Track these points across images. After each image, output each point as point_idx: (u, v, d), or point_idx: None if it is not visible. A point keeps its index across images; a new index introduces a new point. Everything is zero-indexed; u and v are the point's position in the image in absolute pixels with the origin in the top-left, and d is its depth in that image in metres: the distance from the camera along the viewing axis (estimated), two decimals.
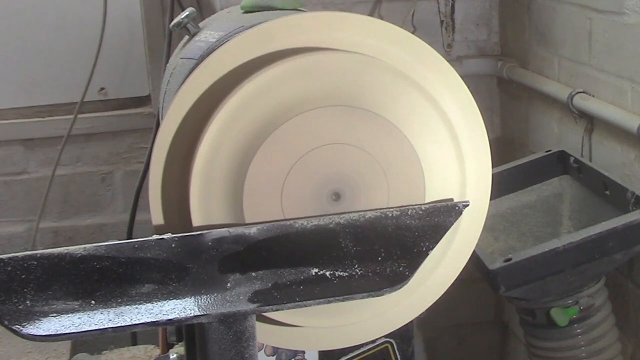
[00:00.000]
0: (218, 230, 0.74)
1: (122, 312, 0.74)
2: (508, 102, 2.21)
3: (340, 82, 0.76)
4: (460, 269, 0.84)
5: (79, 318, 0.77)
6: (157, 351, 1.75)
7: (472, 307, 2.27)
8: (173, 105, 0.76)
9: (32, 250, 0.74)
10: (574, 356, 1.58)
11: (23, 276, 0.72)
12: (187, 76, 0.77)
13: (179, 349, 1.12)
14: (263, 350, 1.03)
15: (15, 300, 0.72)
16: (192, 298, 0.75)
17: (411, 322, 0.85)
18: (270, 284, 0.75)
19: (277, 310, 0.77)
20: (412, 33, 0.80)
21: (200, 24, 1.01)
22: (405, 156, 0.77)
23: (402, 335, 1.12)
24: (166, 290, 0.74)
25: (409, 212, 0.75)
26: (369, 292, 0.76)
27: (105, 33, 2.29)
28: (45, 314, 0.73)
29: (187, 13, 0.99)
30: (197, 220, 0.76)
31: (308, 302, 0.76)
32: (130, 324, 0.75)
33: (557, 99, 1.85)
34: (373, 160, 0.76)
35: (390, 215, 0.75)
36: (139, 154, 2.43)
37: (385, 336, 1.00)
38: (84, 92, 2.30)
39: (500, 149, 2.16)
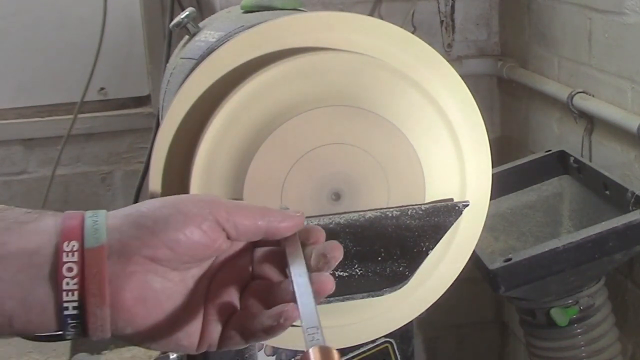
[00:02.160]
0: None
1: None
2: (508, 102, 2.21)
3: (340, 82, 0.75)
4: (460, 269, 0.84)
5: None
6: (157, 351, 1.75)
7: (472, 307, 2.27)
8: (173, 105, 0.76)
9: None
10: (574, 356, 1.58)
11: None
12: (187, 76, 0.77)
13: None
14: (263, 350, 1.04)
15: None
16: None
17: (411, 322, 0.84)
18: None
19: None
20: (412, 33, 0.80)
21: (200, 24, 1.01)
22: (405, 156, 0.77)
23: (402, 335, 1.12)
24: None
25: (409, 212, 0.75)
26: (369, 292, 0.76)
27: (105, 33, 2.29)
28: None
29: (187, 13, 0.99)
30: None
31: None
32: None
33: (557, 99, 1.85)
34: (373, 160, 0.76)
35: (390, 215, 0.75)
36: (139, 154, 2.43)
37: (385, 336, 1.00)
38: (84, 92, 2.30)
39: (500, 149, 2.16)
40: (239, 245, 0.62)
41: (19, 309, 0.55)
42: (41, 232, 0.56)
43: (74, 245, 0.55)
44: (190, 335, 0.60)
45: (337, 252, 0.61)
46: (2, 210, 0.58)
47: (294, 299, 0.56)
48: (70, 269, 0.55)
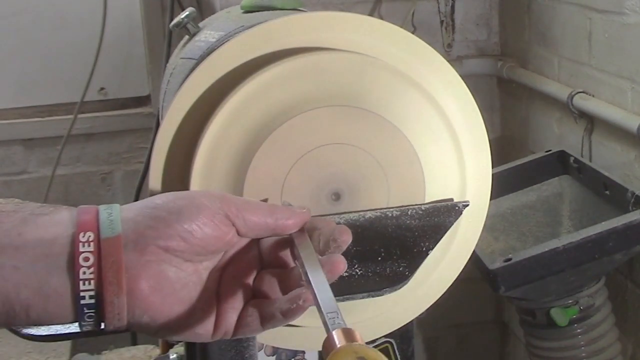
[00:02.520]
0: None
1: None
2: (508, 102, 2.21)
3: (340, 82, 0.75)
4: (460, 269, 0.83)
5: None
6: (157, 351, 1.75)
7: (472, 307, 2.27)
8: (173, 105, 0.76)
9: None
10: (574, 356, 1.58)
11: None
12: (187, 76, 0.77)
13: (178, 349, 1.12)
14: (263, 350, 1.03)
15: None
16: None
17: (411, 322, 0.84)
18: None
19: None
20: (412, 33, 0.80)
21: (200, 24, 1.01)
22: (405, 156, 0.77)
23: (402, 335, 1.12)
24: None
25: (409, 212, 0.75)
26: (369, 292, 0.76)
27: (105, 33, 2.29)
28: None
29: (187, 13, 0.99)
30: None
31: None
32: None
33: (557, 99, 1.85)
34: (373, 160, 0.76)
35: (390, 215, 0.75)
36: (139, 154, 2.43)
37: (385, 336, 0.99)
38: (84, 92, 2.30)
39: (500, 149, 2.16)
40: (245, 239, 0.64)
41: (36, 298, 0.55)
42: (57, 224, 0.57)
43: (89, 236, 0.57)
44: (205, 324, 0.61)
45: (346, 235, 0.63)
46: (17, 204, 0.59)
47: (309, 290, 0.58)
48: (86, 259, 0.56)
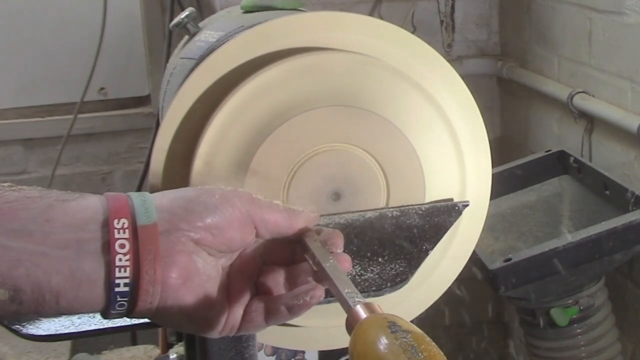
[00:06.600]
0: None
1: None
2: (508, 102, 2.21)
3: (340, 82, 0.75)
4: (460, 269, 0.83)
5: (78, 318, 0.77)
6: (157, 351, 1.75)
7: (472, 307, 2.27)
8: (173, 105, 0.76)
9: None
10: (574, 356, 1.58)
11: None
12: (187, 76, 0.77)
13: (178, 349, 1.12)
14: (263, 350, 1.03)
15: None
16: None
17: (411, 322, 0.84)
18: None
19: None
20: (412, 33, 0.80)
21: (200, 24, 1.01)
22: (405, 156, 0.77)
23: None
24: None
25: (409, 212, 0.75)
26: (369, 292, 0.76)
27: (105, 33, 2.29)
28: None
29: (187, 13, 0.99)
30: None
31: None
32: (130, 324, 0.75)
33: (557, 98, 1.85)
34: (373, 160, 0.76)
35: (390, 215, 0.75)
36: (139, 154, 2.43)
37: None
38: (84, 92, 2.30)
39: (500, 149, 2.16)
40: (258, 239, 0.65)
41: (67, 284, 0.54)
42: (85, 209, 0.57)
43: (124, 223, 0.56)
44: (219, 318, 0.62)
45: (337, 239, 0.65)
46: (41, 190, 0.58)
47: (323, 276, 0.61)
48: (122, 245, 0.55)
